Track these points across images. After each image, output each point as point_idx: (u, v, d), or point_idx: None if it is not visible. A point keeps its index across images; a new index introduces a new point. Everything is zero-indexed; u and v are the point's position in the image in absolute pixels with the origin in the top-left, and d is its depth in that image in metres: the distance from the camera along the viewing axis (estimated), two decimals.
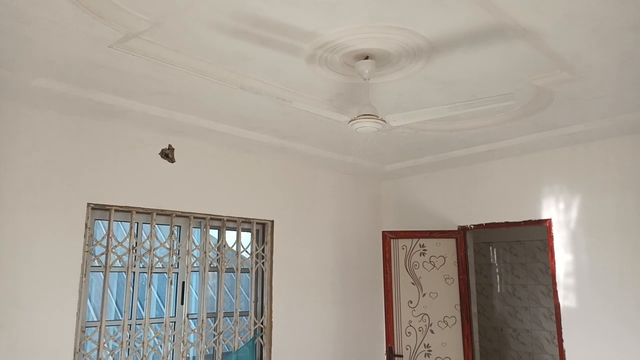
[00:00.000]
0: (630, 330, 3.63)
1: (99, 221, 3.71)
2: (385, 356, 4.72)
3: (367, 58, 2.69)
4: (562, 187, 4.14)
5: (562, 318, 4.02)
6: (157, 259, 3.77)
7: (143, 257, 3.72)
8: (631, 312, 3.64)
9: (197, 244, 4.06)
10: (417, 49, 2.62)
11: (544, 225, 4.25)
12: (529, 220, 4.33)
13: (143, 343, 3.61)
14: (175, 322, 3.88)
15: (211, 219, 4.12)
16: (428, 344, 4.68)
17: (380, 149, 4.58)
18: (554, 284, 4.09)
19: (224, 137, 3.95)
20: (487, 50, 2.62)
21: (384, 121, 2.69)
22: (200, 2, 2.18)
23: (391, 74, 2.93)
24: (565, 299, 4.02)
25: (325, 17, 2.32)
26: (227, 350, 4.15)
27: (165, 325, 3.75)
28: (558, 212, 4.14)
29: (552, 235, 4.15)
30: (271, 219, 4.52)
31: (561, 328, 4.02)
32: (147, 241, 3.74)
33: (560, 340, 4.01)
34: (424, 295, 4.78)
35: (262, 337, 4.33)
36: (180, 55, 2.69)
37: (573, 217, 4.05)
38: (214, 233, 4.31)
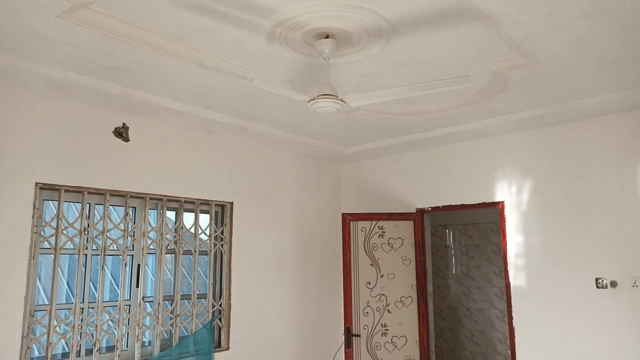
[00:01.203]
0: (574, 307, 3.83)
1: (48, 202, 3.56)
2: (343, 336, 4.79)
3: (327, 37, 2.67)
4: (514, 170, 4.28)
5: (512, 297, 4.19)
6: (111, 241, 3.66)
7: (96, 239, 3.60)
8: (575, 290, 3.83)
9: (153, 225, 3.96)
10: (377, 30, 2.62)
11: (497, 208, 4.39)
12: (483, 203, 4.46)
13: (96, 327, 3.52)
14: (130, 306, 3.80)
15: (168, 200, 4.03)
16: (385, 324, 4.78)
17: (341, 132, 4.59)
18: (505, 264, 4.24)
19: (182, 116, 3.85)
20: (445, 33, 2.64)
21: (343, 101, 2.69)
22: None
23: (352, 54, 2.92)
24: (516, 278, 4.18)
25: None
26: (185, 333, 4.10)
27: (119, 309, 3.66)
28: (510, 195, 4.28)
29: (505, 217, 4.29)
30: (230, 201, 4.47)
31: (511, 306, 4.18)
32: (100, 223, 3.62)
33: (510, 318, 4.18)
34: (382, 276, 4.86)
35: (220, 319, 4.31)
36: (134, 28, 2.58)
37: (524, 199, 4.20)
38: (171, 215, 4.23)
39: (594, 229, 3.78)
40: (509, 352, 4.19)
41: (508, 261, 4.23)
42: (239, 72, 3.06)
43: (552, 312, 3.94)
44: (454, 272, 6.33)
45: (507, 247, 4.25)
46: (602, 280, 3.71)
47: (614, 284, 3.66)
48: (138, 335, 3.73)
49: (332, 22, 2.54)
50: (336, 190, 5.60)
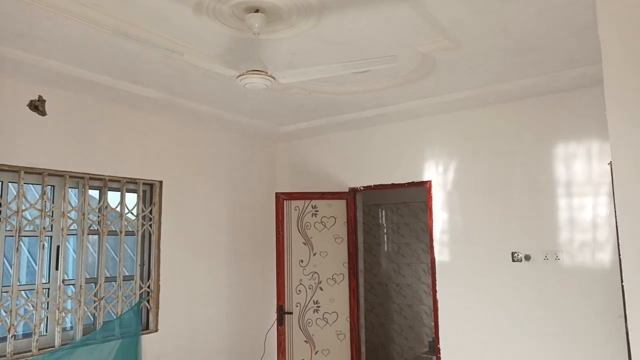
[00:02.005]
0: (492, 279, 4.08)
1: None
2: (276, 314, 4.83)
3: (257, 11, 2.61)
4: (442, 151, 4.45)
5: (436, 272, 4.39)
6: (27, 221, 3.44)
7: (10, 220, 3.37)
8: (493, 263, 4.08)
9: (74, 205, 3.76)
10: (308, 6, 2.59)
11: (425, 187, 4.55)
12: (412, 182, 4.61)
13: (11, 311, 3.32)
14: (49, 289, 3.61)
15: (91, 178, 3.83)
16: (317, 301, 4.86)
17: (275, 110, 4.55)
18: (431, 240, 4.43)
19: (105, 89, 3.64)
20: (375, 12, 2.67)
21: (273, 78, 2.66)
22: None
23: (282, 30, 2.88)
24: (440, 254, 4.38)
25: None
26: (112, 317, 3.96)
27: (37, 292, 3.46)
28: (437, 175, 4.46)
29: (432, 196, 4.46)
30: (160, 180, 4.32)
31: (435, 281, 4.39)
32: (15, 202, 3.39)
33: (434, 292, 4.39)
34: (314, 254, 4.92)
35: (148, 301, 4.20)
36: None
37: (450, 179, 4.39)
38: (95, 194, 4.03)
39: (511, 207, 4.02)
40: (433, 323, 4.41)
41: (434, 238, 4.42)
42: (168, 45, 2.94)
43: (472, 285, 4.17)
44: (385, 249, 6.53)
45: (434, 224, 4.44)
46: (518, 254, 3.97)
47: (527, 258, 3.92)
48: (58, 319, 3.56)
49: None
50: (270, 170, 5.57)
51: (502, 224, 4.06)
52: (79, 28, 2.74)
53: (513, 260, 3.98)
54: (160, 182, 4.33)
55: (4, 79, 3.29)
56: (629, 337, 1.62)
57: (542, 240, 3.86)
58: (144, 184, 4.24)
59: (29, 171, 3.44)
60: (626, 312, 1.65)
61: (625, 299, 1.62)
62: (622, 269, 1.65)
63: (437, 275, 4.38)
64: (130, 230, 4.15)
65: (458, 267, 4.27)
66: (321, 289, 4.89)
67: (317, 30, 2.89)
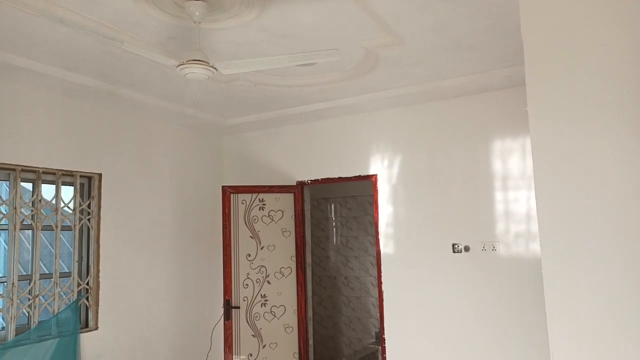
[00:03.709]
0: (434, 270, 4.20)
1: None
2: (223, 309, 4.78)
3: None
4: (387, 145, 4.53)
5: (382, 264, 4.48)
6: None
7: None
8: (435, 255, 4.21)
9: (4, 199, 3.56)
10: None
11: (371, 181, 4.63)
12: (359, 176, 4.67)
13: None
14: None
15: (23, 170, 3.64)
16: (264, 294, 4.85)
17: (221, 102, 4.48)
18: (377, 233, 4.52)
19: (37, 76, 3.46)
20: (318, 6, 2.67)
21: (215, 68, 2.61)
22: None
23: (225, 20, 2.83)
24: (385, 246, 4.47)
25: None
26: (48, 315, 3.79)
27: None
28: (383, 169, 4.54)
29: (377, 190, 4.54)
30: (99, 172, 4.17)
31: (381, 272, 4.48)
32: None
33: (380, 283, 4.48)
34: (262, 248, 4.90)
35: (87, 299, 4.05)
36: None
37: (395, 173, 4.48)
38: (27, 187, 3.83)
39: (452, 200, 4.16)
40: (379, 314, 4.50)
41: (379, 230, 4.51)
42: (106, 33, 2.83)
43: (415, 276, 4.29)
44: (334, 243, 6.60)
45: (379, 217, 4.52)
46: (458, 246, 4.11)
47: (467, 249, 4.07)
48: None
49: None
50: (217, 163, 5.49)
51: (443, 217, 4.19)
52: (6, 11, 2.59)
53: (454, 252, 4.12)
54: (100, 175, 4.17)
55: None
56: (548, 323, 1.72)
57: (480, 232, 4.02)
58: (81, 176, 4.08)
59: None
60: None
61: (544, 285, 1.71)
62: (542, 258, 1.75)
63: (382, 267, 4.47)
64: (67, 225, 3.98)
65: (402, 258, 4.37)
66: (269, 282, 4.88)
67: (260, 21, 2.86)
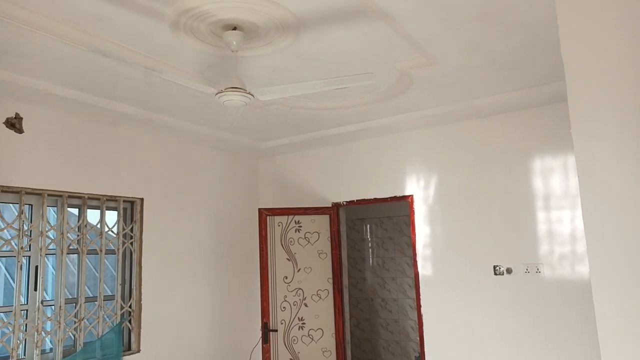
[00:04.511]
0: (475, 293, 4.09)
1: None
2: (261, 332, 4.78)
3: (235, 29, 2.63)
4: (422, 165, 4.49)
5: (420, 286, 4.39)
6: (4, 242, 3.38)
7: None
8: (475, 277, 4.10)
9: (52, 224, 3.71)
10: (285, 24, 2.63)
11: (407, 201, 4.58)
12: (395, 197, 4.64)
13: None
14: (27, 310, 3.54)
15: (70, 196, 3.79)
16: (302, 317, 4.83)
17: (256, 126, 4.56)
18: (414, 254, 4.45)
19: (84, 106, 3.63)
20: (352, 30, 2.71)
21: (252, 95, 2.67)
22: None
23: (261, 47, 2.91)
24: (424, 268, 4.39)
25: None
26: (92, 338, 3.88)
27: (14, 314, 3.39)
28: (419, 189, 4.49)
29: (414, 210, 4.49)
30: (140, 197, 4.29)
31: (419, 295, 4.39)
32: None
33: (419, 306, 4.39)
34: (298, 270, 4.90)
35: (130, 321, 4.13)
36: (20, 9, 2.39)
37: (431, 193, 4.42)
38: (74, 212, 3.98)
39: (492, 220, 4.06)
40: (418, 338, 4.40)
41: (417, 252, 4.44)
42: (147, 64, 2.95)
43: (455, 299, 4.18)
44: (370, 264, 6.53)
45: (416, 238, 4.45)
46: (499, 268, 3.99)
47: (509, 271, 3.95)
48: (37, 341, 3.48)
49: (238, 13, 2.52)
50: (253, 185, 5.56)
51: (483, 238, 4.09)
52: (57, 46, 2.74)
53: (495, 274, 4.01)
54: (141, 200, 4.30)
55: None
56: (601, 351, 1.63)
57: (523, 253, 3.90)
58: (124, 201, 4.21)
59: (6, 190, 3.40)
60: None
61: (595, 309, 1.64)
62: (592, 282, 1.68)
63: (421, 289, 4.39)
64: (111, 248, 4.10)
65: (441, 281, 4.28)
66: (306, 305, 4.86)
67: (295, 47, 2.92)
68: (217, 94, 2.66)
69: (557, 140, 3.81)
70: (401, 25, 2.65)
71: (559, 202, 3.79)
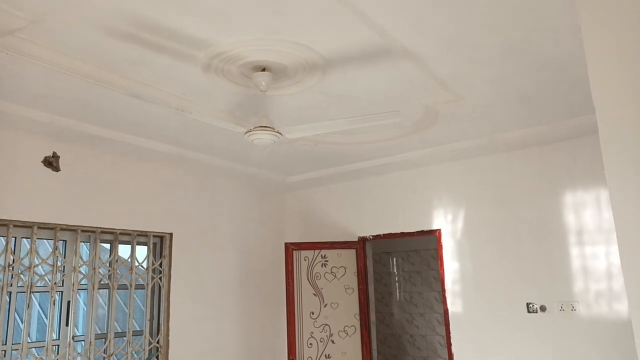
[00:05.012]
0: (508, 332, 3.96)
1: None
2: None
3: (263, 70, 2.72)
4: (449, 199, 4.45)
5: (450, 323, 4.28)
6: (38, 277, 3.47)
7: (22, 275, 3.40)
8: (508, 315, 3.97)
9: (85, 259, 3.79)
10: (313, 64, 2.70)
11: (435, 235, 4.52)
12: (422, 231, 4.59)
13: None
14: (59, 346, 3.58)
15: (102, 232, 3.88)
16: (329, 354, 4.74)
17: (282, 161, 4.62)
18: (443, 290, 4.36)
19: (116, 144, 3.75)
20: (377, 68, 2.76)
21: (280, 133, 2.73)
22: (85, 2, 2.07)
23: (289, 86, 2.98)
24: (453, 305, 4.29)
25: (220, 27, 2.32)
26: None
27: (47, 349, 3.44)
28: (446, 223, 4.43)
29: (442, 245, 4.43)
30: (170, 232, 4.36)
31: (450, 332, 4.28)
32: (27, 257, 3.43)
33: (449, 344, 4.27)
34: (325, 305, 4.85)
35: (157, 357, 4.13)
36: (62, 56, 2.52)
37: (459, 227, 4.36)
38: (105, 247, 4.06)
39: (523, 255, 3.97)
40: None
41: (446, 288, 4.35)
42: (177, 104, 3.05)
43: (488, 338, 4.06)
44: (397, 299, 6.41)
45: (445, 273, 4.37)
46: (533, 305, 3.87)
47: (543, 309, 3.83)
48: None
49: (267, 55, 2.60)
50: (279, 219, 5.59)
51: (515, 274, 3.99)
52: (93, 88, 2.86)
53: (528, 311, 3.88)
54: (171, 235, 4.36)
55: (20, 136, 3.41)
56: None
57: (557, 291, 3.78)
58: (154, 236, 4.28)
59: (42, 226, 3.50)
60: None
61: (637, 349, 1.57)
62: (632, 320, 1.62)
63: (451, 327, 4.27)
64: (140, 283, 4.15)
65: (472, 318, 4.17)
66: (333, 341, 4.78)
67: (322, 85, 2.98)
68: (246, 132, 2.72)
69: (588, 173, 3.74)
70: (426, 63, 2.69)
71: (593, 237, 3.68)
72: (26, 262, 3.43)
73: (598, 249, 3.65)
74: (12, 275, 3.36)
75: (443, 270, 4.39)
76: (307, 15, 2.21)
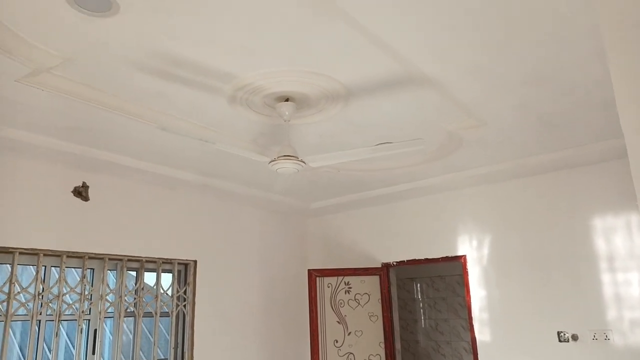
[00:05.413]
0: (537, 358, 3.84)
1: (1, 265, 3.42)
2: None
3: (287, 100, 2.76)
4: (474, 225, 4.39)
5: (478, 352, 4.17)
6: (67, 306, 3.52)
7: (50, 304, 3.45)
8: (538, 344, 3.86)
9: (112, 287, 3.84)
10: (335, 93, 2.73)
11: (460, 262, 4.45)
12: (447, 257, 4.52)
13: None
14: None
15: (129, 260, 3.93)
16: None
17: (305, 188, 4.64)
18: (470, 318, 4.26)
19: (143, 174, 3.83)
20: (399, 96, 2.78)
21: (304, 162, 2.75)
22: (114, 40, 2.16)
23: (311, 115, 3.02)
24: (481, 333, 4.19)
25: (244, 60, 2.38)
26: None
27: None
28: (472, 249, 4.36)
29: (467, 271, 4.35)
30: (194, 259, 4.39)
31: None
32: (56, 286, 3.49)
33: None
34: (349, 333, 4.78)
35: None
36: (93, 91, 2.62)
37: (485, 253, 4.28)
38: (131, 275, 4.11)
39: (552, 282, 3.87)
40: None
41: (473, 315, 4.25)
42: (202, 135, 3.11)
43: None
44: (422, 326, 6.29)
45: (472, 301, 4.28)
46: (564, 334, 3.75)
47: (575, 338, 3.70)
48: None
49: (290, 86, 2.65)
50: (302, 245, 5.58)
51: (544, 301, 3.89)
52: (123, 121, 2.95)
53: (560, 341, 3.76)
54: (195, 262, 4.39)
55: (51, 167, 3.52)
56: None
57: (589, 319, 3.66)
58: (178, 263, 4.31)
59: (71, 255, 3.57)
60: None
61: None
62: None
63: (479, 356, 4.16)
64: (165, 311, 4.17)
65: (501, 347, 4.06)
66: None
67: (344, 114, 3.01)
68: (270, 162, 2.76)
69: (618, 197, 3.66)
70: (449, 90, 2.70)
71: (625, 263, 3.57)
72: (55, 290, 3.49)
73: (631, 276, 3.54)
74: (41, 303, 3.42)
75: (469, 298, 4.30)
76: (329, 46, 2.26)
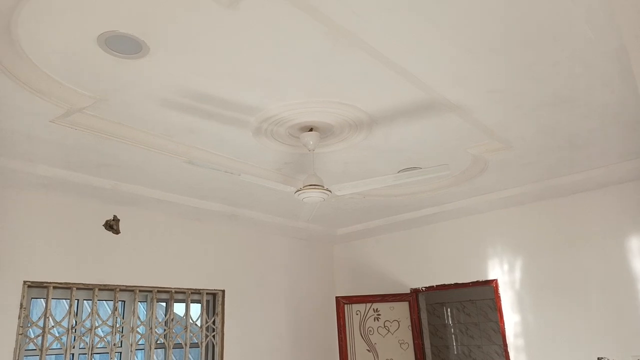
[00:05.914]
0: None
1: (36, 299, 3.50)
2: None
3: (311, 130, 2.79)
4: (504, 248, 4.30)
5: None
6: (99, 339, 3.56)
7: (83, 337, 3.50)
8: None
9: (142, 319, 3.87)
10: (358, 122, 2.75)
11: (491, 286, 4.35)
12: (477, 281, 4.43)
13: None
14: None
15: (158, 291, 3.97)
16: None
17: (331, 214, 4.64)
18: (505, 345, 4.13)
19: (172, 206, 3.90)
20: (422, 122, 2.78)
21: (329, 191, 2.76)
22: (143, 79, 2.24)
23: (335, 144, 3.04)
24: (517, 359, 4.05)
25: (268, 93, 2.43)
26: None
27: None
28: (503, 273, 4.26)
29: (499, 296, 4.24)
30: (222, 289, 4.41)
31: None
32: (88, 319, 3.54)
33: None
34: None
35: None
36: (124, 128, 2.70)
37: (517, 277, 4.18)
38: (161, 306, 4.14)
39: (588, 306, 3.74)
40: None
41: (507, 342, 4.12)
42: (227, 168, 3.16)
43: None
44: (455, 352, 6.12)
45: (505, 326, 4.16)
46: None
47: None
48: None
49: (314, 116, 2.68)
50: (329, 272, 5.55)
51: (582, 326, 3.75)
52: (152, 155, 3.02)
53: None
54: (223, 291, 4.41)
55: (83, 203, 3.61)
56: None
57: (631, 343, 3.51)
58: (207, 293, 4.33)
59: (103, 288, 3.63)
60: None
61: None
62: None
63: None
64: (195, 342, 4.17)
65: None
66: None
67: (368, 141, 3.03)
68: (296, 191, 2.77)
69: None
70: (472, 115, 2.69)
71: None
72: (87, 324, 3.54)
73: None
74: (74, 337, 3.47)
75: (503, 324, 4.18)
76: (351, 76, 2.29)
